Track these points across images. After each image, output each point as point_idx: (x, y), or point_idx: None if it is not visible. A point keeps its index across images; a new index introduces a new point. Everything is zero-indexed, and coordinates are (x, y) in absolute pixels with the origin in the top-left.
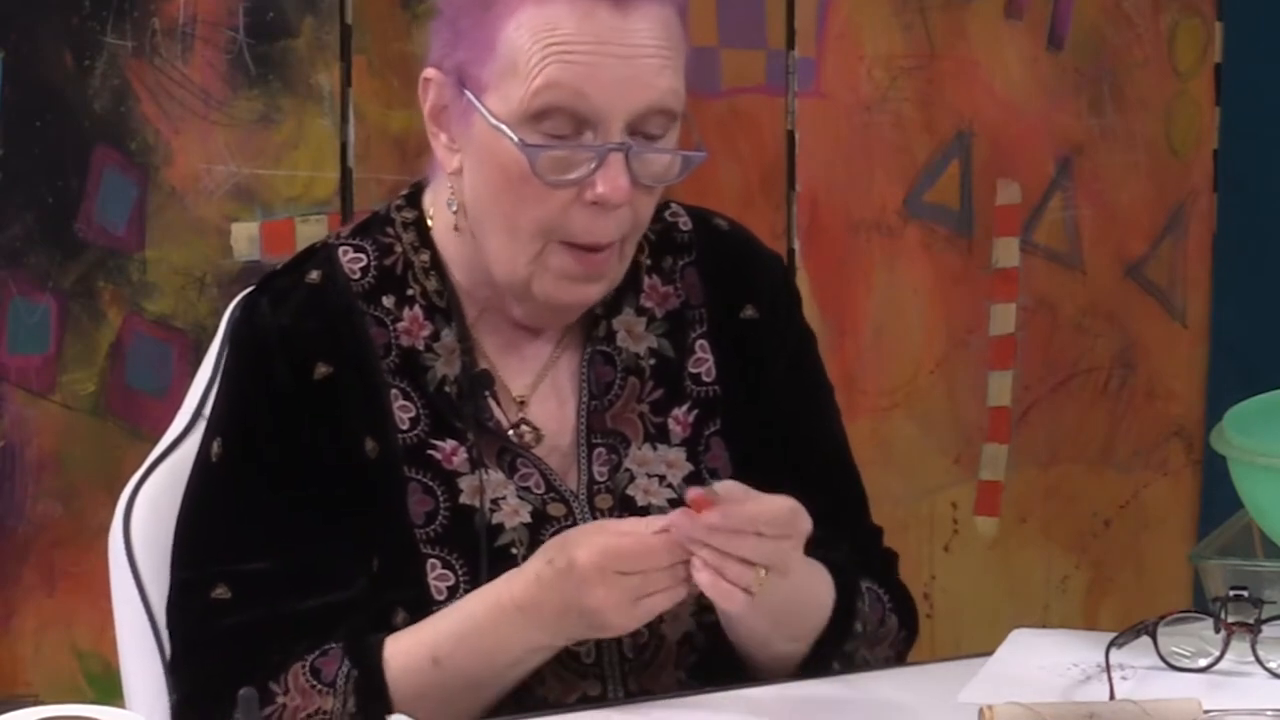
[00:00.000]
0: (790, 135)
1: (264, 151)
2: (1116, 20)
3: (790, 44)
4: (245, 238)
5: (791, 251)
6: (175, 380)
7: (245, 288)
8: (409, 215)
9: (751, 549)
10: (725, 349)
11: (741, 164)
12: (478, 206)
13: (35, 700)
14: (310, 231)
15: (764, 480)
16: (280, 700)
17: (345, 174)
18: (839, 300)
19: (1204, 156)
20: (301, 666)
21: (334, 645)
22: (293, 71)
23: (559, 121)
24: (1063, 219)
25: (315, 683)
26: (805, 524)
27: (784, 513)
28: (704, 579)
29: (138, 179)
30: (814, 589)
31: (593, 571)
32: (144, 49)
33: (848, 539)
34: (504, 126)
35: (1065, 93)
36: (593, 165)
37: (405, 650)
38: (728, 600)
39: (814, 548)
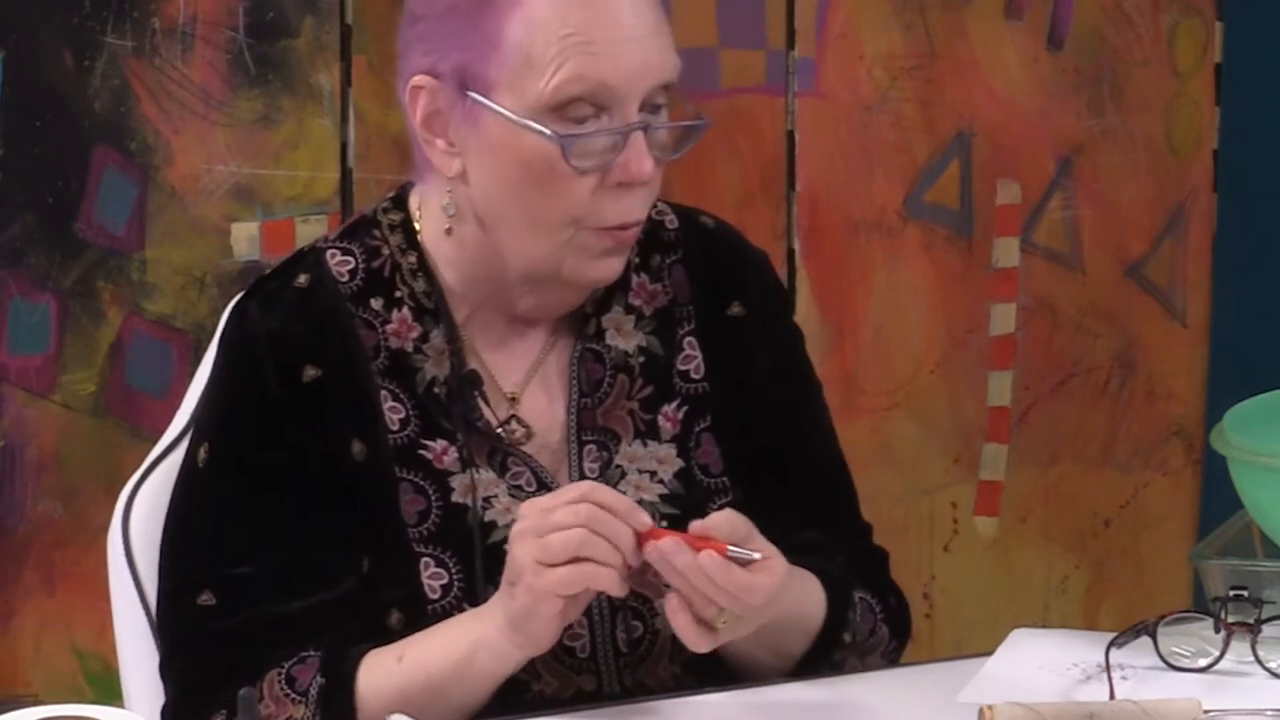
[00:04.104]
0: (790, 135)
1: (264, 151)
2: (1116, 20)
3: (790, 44)
4: (245, 238)
5: (791, 251)
6: (175, 380)
7: (245, 288)
8: (395, 218)
9: (725, 600)
10: (713, 346)
11: (741, 164)
12: (492, 204)
13: (35, 700)
14: (310, 231)
15: (753, 476)
16: None
17: (345, 174)
18: (839, 300)
19: (1204, 156)
20: (278, 674)
21: (312, 653)
22: (293, 71)
23: (579, 108)
24: (1063, 219)
25: (289, 691)
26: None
27: (778, 579)
28: (679, 621)
29: (138, 179)
30: (800, 608)
31: (516, 530)
32: (144, 49)
33: (841, 541)
34: (529, 121)
35: (1065, 93)
36: (616, 146)
37: (378, 660)
38: (696, 643)
39: (810, 555)
